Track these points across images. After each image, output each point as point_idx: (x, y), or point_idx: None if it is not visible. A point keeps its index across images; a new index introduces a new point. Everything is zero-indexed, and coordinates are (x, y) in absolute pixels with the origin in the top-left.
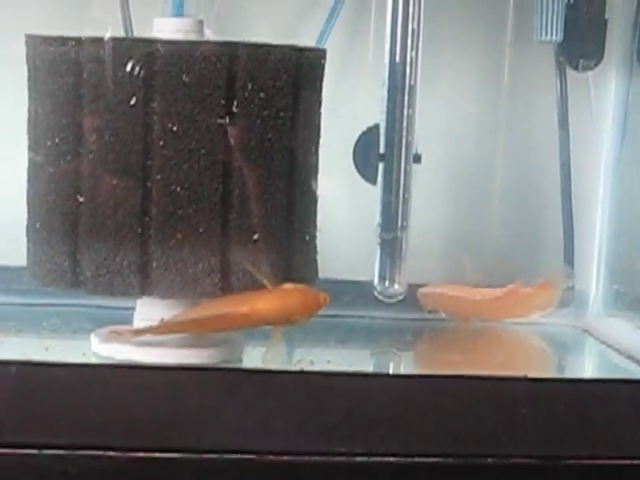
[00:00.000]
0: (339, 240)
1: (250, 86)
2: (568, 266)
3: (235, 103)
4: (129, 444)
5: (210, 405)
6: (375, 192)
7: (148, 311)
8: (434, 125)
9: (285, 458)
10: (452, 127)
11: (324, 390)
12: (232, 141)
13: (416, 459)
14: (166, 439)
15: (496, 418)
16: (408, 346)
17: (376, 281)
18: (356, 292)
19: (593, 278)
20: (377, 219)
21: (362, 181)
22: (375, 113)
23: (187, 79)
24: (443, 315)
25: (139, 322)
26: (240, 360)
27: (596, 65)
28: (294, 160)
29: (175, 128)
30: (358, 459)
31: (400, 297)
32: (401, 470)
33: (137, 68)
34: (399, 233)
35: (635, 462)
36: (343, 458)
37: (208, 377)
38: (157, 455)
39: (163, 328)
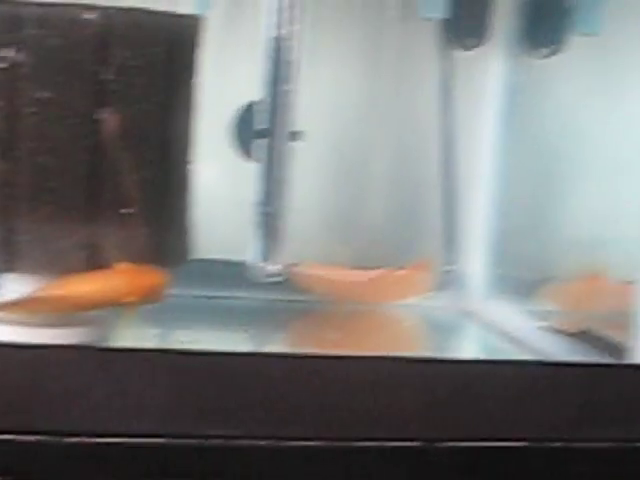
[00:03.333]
0: (217, 219)
1: (122, 52)
2: (448, 249)
3: (107, 70)
4: None
5: (77, 386)
6: (254, 170)
7: (14, 287)
8: (316, 102)
9: (157, 441)
10: (334, 105)
11: (198, 370)
12: (104, 110)
13: (291, 443)
14: (31, 422)
15: (374, 399)
16: (285, 327)
17: (254, 261)
18: (234, 272)
19: (477, 261)
20: (255, 198)
21: (240, 159)
22: (255, 89)
23: (57, 44)
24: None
25: (5, 298)
26: (108, 340)
27: (481, 44)
28: (168, 132)
29: (44, 95)
30: (233, 442)
31: (278, 277)
32: (276, 453)
33: (4, 31)
34: (277, 212)
35: (512, 444)
36: (218, 441)
37: (75, 356)
38: (22, 438)
39: None
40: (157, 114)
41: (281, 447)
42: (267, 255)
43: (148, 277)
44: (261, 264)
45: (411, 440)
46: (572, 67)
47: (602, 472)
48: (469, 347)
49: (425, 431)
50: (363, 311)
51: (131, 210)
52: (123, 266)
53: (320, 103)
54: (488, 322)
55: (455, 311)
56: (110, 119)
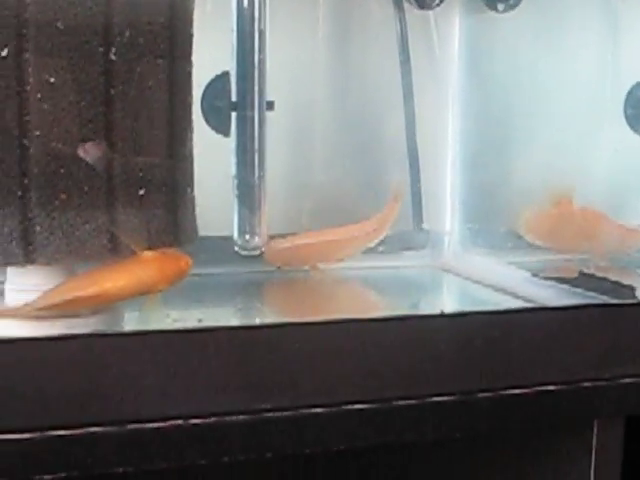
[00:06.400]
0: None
1: (128, 31)
2: (416, 209)
3: (113, 50)
4: (44, 423)
5: (128, 373)
6: (228, 143)
7: (23, 281)
8: (279, 71)
9: (212, 420)
10: (295, 72)
11: (246, 346)
12: (112, 91)
13: (340, 408)
14: (84, 414)
15: (415, 357)
16: (275, 298)
17: (236, 235)
18: (217, 248)
19: (447, 219)
20: (232, 171)
21: (213, 133)
22: (220, 62)
23: (62, 26)
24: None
25: (13, 294)
26: (122, 327)
27: (440, 3)
28: (172, 109)
29: (52, 80)
30: (285, 413)
31: (262, 249)
32: (329, 418)
33: (6, 16)
34: (256, 183)
35: (544, 388)
36: (270, 414)
37: (122, 343)
38: (76, 432)
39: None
40: (162, 91)
41: (332, 413)
42: (250, 228)
43: (176, 263)
44: (245, 237)
45: (449, 395)
46: (528, 22)
47: (626, 406)
48: (460, 301)
49: (461, 384)
50: (345, 275)
51: (147, 189)
52: (150, 254)
53: (282, 72)
54: (468, 276)
55: (432, 268)
56: (93, 149)
